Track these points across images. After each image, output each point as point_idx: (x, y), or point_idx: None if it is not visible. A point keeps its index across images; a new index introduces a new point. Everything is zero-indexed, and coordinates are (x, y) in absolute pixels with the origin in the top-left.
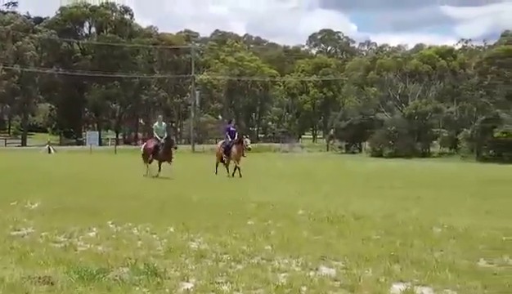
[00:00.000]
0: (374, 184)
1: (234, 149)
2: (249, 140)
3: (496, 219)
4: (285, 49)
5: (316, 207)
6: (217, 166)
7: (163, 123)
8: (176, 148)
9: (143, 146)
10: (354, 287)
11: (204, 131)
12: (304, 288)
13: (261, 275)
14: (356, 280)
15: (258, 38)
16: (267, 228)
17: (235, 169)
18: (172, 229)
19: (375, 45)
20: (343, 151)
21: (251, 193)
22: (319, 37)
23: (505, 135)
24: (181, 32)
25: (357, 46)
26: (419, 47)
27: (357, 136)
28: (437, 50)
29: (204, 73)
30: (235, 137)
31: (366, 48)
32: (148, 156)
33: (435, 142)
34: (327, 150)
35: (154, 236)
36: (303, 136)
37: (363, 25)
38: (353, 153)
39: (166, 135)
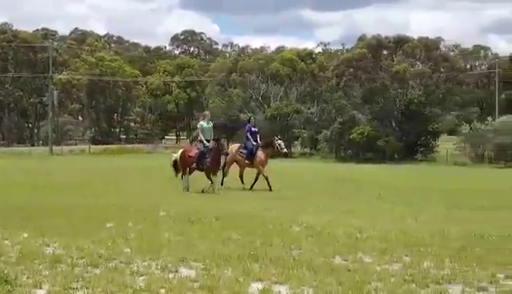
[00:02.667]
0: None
1: (260, 153)
2: (282, 142)
3: (352, 217)
4: (147, 49)
5: (178, 208)
6: (241, 177)
7: (211, 122)
8: (227, 154)
9: (179, 153)
10: (213, 287)
11: (62, 132)
12: (163, 291)
13: (118, 279)
14: (215, 280)
15: (119, 38)
16: (127, 230)
17: (255, 180)
18: (26, 235)
19: (238, 46)
20: None
21: (111, 196)
22: (181, 37)
23: (360, 135)
24: (38, 30)
25: (220, 47)
26: (280, 50)
27: (221, 137)
28: (297, 53)
29: (63, 72)
30: (258, 140)
31: (229, 50)
32: (187, 166)
33: (296, 142)
34: None
35: (6, 242)
36: (166, 137)
37: (226, 27)
38: None
39: (212, 137)
